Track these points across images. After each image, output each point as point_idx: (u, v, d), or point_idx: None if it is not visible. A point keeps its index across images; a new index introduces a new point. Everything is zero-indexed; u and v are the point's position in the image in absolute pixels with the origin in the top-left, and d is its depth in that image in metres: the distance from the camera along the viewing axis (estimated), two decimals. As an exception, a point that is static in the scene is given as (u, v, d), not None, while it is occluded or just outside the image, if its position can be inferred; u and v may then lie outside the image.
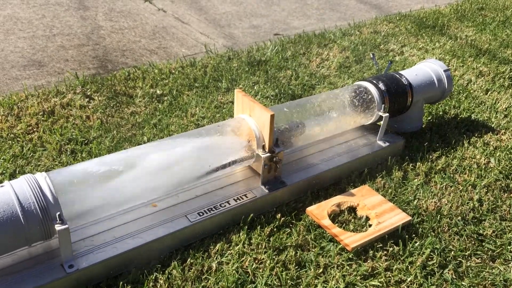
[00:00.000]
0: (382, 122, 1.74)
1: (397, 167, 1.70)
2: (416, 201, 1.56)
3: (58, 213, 1.10)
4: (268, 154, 1.44)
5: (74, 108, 1.97)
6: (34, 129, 1.81)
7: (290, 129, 1.52)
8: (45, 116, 1.89)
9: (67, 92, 2.08)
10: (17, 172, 1.56)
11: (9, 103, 1.95)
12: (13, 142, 1.72)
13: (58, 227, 1.09)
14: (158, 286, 1.20)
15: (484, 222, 1.50)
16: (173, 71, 2.36)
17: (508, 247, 1.41)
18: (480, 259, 1.37)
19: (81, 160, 1.64)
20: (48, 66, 2.41)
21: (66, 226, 1.09)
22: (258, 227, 1.39)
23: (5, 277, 1.12)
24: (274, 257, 1.30)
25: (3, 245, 1.08)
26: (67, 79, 2.25)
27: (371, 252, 1.34)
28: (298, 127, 1.53)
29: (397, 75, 1.81)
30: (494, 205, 1.57)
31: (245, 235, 1.35)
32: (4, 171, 1.55)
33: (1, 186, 1.11)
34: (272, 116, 1.38)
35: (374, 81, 1.75)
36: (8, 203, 1.07)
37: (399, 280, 1.27)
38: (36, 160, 1.63)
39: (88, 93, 2.08)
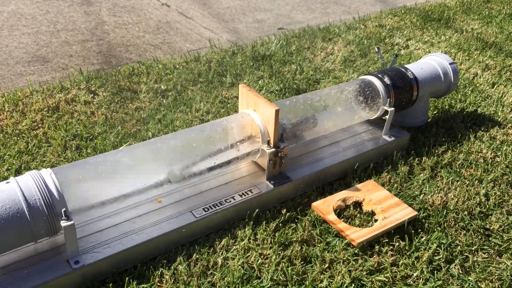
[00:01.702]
0: (387, 117, 1.72)
1: (402, 162, 1.69)
2: (422, 196, 1.55)
3: (64, 209, 1.09)
4: (273, 149, 1.43)
5: (79, 103, 1.97)
6: (39, 125, 1.81)
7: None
8: (50, 112, 1.89)
9: (72, 87, 2.08)
10: (22, 168, 1.56)
11: (14, 99, 1.96)
12: (18, 138, 1.72)
13: (63, 223, 1.09)
14: (164, 281, 1.20)
15: (490, 216, 1.49)
16: (177, 66, 2.36)
17: (515, 242, 1.40)
18: (486, 254, 1.36)
19: (86, 156, 1.64)
20: (52, 62, 2.41)
21: (72, 222, 1.09)
22: (264, 223, 1.39)
23: (11, 273, 1.12)
24: (280, 252, 1.30)
25: (9, 241, 1.08)
26: (71, 74, 2.25)
27: (377, 247, 1.34)
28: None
29: (403, 69, 1.80)
30: (501, 200, 1.56)
31: (251, 231, 1.35)
32: (9, 167, 1.56)
33: (7, 183, 1.11)
34: (277, 111, 1.37)
35: (380, 75, 1.74)
36: (13, 199, 1.07)
37: (405, 275, 1.27)
38: (41, 156, 1.63)
39: (93, 89, 2.08)
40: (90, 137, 1.76)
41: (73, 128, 1.79)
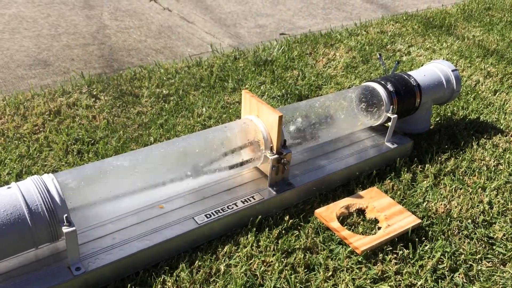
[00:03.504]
0: (390, 123, 1.72)
1: (405, 169, 1.68)
2: (425, 203, 1.54)
3: (66, 215, 1.08)
4: (276, 156, 1.42)
5: (80, 108, 1.96)
6: (41, 129, 1.80)
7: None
8: (51, 116, 1.88)
9: (73, 91, 2.07)
10: (23, 172, 1.55)
11: (15, 102, 1.95)
12: (20, 142, 1.71)
13: (65, 229, 1.08)
14: (166, 288, 1.19)
15: (494, 225, 1.48)
16: (179, 70, 2.35)
17: (519, 250, 1.39)
18: (491, 262, 1.35)
19: (87, 160, 1.63)
20: (53, 66, 2.41)
21: (74, 228, 1.08)
22: (266, 229, 1.38)
23: (12, 279, 1.11)
24: (283, 259, 1.29)
25: (10, 247, 1.07)
26: (73, 78, 2.25)
27: (380, 255, 1.33)
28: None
29: (406, 76, 1.80)
30: (505, 208, 1.56)
31: (253, 237, 1.34)
32: (10, 171, 1.55)
33: (8, 188, 1.10)
34: (280, 117, 1.37)
35: (382, 82, 1.74)
36: (15, 205, 1.06)
37: (409, 284, 1.26)
38: (42, 160, 1.62)
39: (94, 93, 2.07)
40: (92, 142, 1.75)
41: (74, 132, 1.78)
